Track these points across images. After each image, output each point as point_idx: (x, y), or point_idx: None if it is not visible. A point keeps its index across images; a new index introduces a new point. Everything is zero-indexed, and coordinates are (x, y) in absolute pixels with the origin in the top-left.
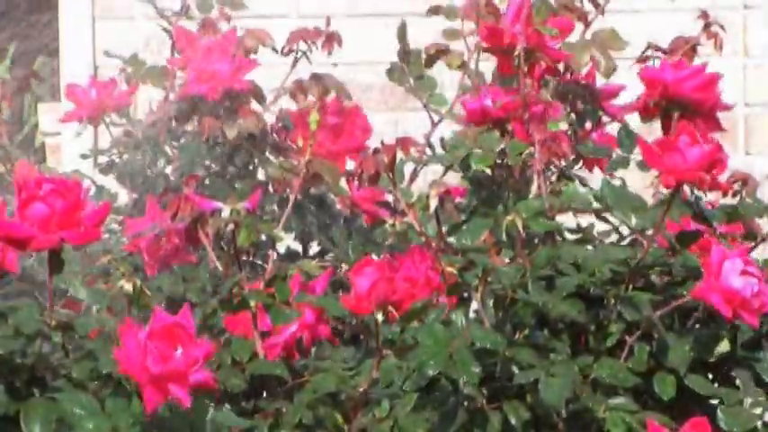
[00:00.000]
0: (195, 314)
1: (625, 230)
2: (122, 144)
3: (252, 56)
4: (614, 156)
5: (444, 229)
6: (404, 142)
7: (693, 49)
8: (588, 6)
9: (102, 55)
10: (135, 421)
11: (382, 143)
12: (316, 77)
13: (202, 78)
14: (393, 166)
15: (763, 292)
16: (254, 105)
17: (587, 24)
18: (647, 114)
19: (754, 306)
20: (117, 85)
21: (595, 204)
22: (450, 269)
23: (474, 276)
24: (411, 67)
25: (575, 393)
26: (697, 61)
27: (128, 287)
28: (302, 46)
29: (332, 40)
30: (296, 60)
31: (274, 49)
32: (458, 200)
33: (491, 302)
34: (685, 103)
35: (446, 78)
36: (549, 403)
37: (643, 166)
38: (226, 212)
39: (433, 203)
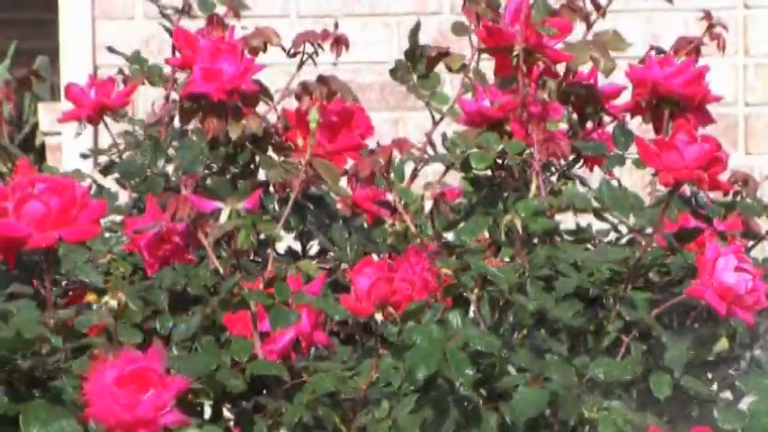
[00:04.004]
0: (196, 313)
1: (623, 229)
2: (124, 143)
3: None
4: (611, 154)
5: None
6: (400, 143)
7: (697, 50)
8: (590, 7)
9: (102, 55)
10: None
11: (378, 144)
12: (321, 79)
13: (208, 77)
14: (389, 167)
15: (758, 289)
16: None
17: (589, 25)
18: (637, 114)
19: (749, 302)
20: (116, 85)
21: (595, 204)
22: (446, 271)
23: (470, 278)
24: (417, 67)
25: (557, 403)
26: (698, 61)
27: (113, 303)
28: (308, 48)
29: (340, 42)
30: (302, 62)
31: (283, 49)
32: (456, 201)
33: (487, 304)
34: (675, 100)
35: (447, 76)
36: (520, 414)
37: (640, 164)
38: (225, 213)
39: (428, 205)
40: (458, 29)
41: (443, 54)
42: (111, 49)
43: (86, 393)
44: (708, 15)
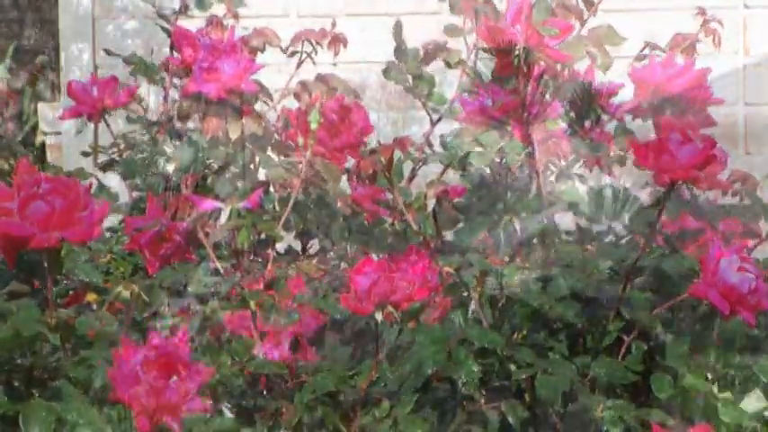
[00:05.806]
0: (196, 312)
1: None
2: (123, 143)
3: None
4: (611, 154)
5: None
6: (402, 142)
7: (692, 47)
8: (583, 6)
9: (102, 54)
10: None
11: (379, 143)
12: (321, 78)
13: (208, 77)
14: (391, 166)
15: (760, 289)
16: (257, 105)
17: (583, 23)
18: (640, 115)
19: (751, 303)
20: (117, 84)
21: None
22: (447, 269)
23: (471, 276)
24: (408, 66)
25: (572, 392)
26: (697, 60)
27: (125, 294)
28: (306, 47)
29: (337, 41)
30: (300, 62)
31: (282, 50)
32: (456, 199)
33: (488, 302)
34: (676, 101)
35: (446, 77)
36: (544, 398)
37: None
38: (225, 213)
39: (431, 203)
40: (451, 30)
41: (440, 49)
42: (107, 51)
43: (110, 377)
44: (702, 11)
